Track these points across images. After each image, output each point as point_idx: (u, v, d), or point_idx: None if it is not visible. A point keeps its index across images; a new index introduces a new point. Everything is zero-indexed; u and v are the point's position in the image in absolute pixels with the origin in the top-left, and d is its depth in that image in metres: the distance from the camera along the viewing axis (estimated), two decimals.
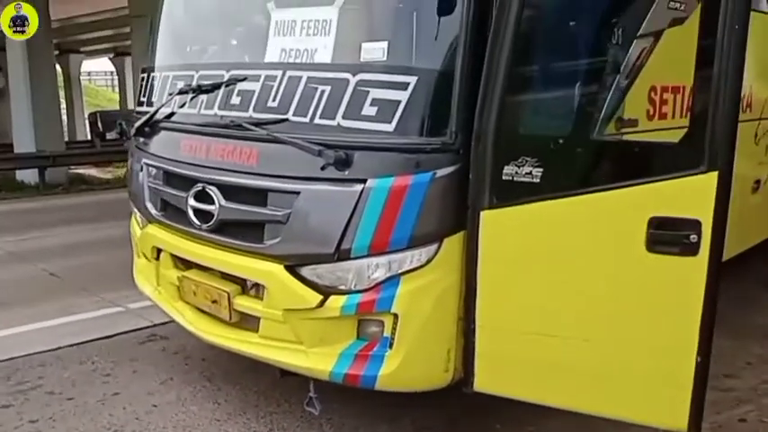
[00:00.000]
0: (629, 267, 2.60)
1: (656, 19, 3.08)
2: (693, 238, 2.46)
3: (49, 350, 4.42)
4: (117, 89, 37.98)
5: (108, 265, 6.51)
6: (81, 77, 32.95)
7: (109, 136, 22.40)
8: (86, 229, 8.62)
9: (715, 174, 2.44)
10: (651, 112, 3.36)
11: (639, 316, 2.63)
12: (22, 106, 13.72)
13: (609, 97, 3.00)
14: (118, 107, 32.60)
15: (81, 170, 15.46)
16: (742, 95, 4.37)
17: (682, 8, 3.15)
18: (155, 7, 3.94)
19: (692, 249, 2.47)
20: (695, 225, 2.45)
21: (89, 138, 24.46)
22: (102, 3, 19.84)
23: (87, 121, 27.62)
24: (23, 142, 13.67)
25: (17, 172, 13.55)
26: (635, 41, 3.02)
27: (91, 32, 25.95)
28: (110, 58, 34.60)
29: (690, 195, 2.49)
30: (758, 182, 4.90)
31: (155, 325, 4.72)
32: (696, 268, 2.48)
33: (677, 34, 3.09)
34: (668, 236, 2.50)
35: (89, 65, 37.92)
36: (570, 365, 2.72)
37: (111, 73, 41.61)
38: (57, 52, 16.52)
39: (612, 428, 3.17)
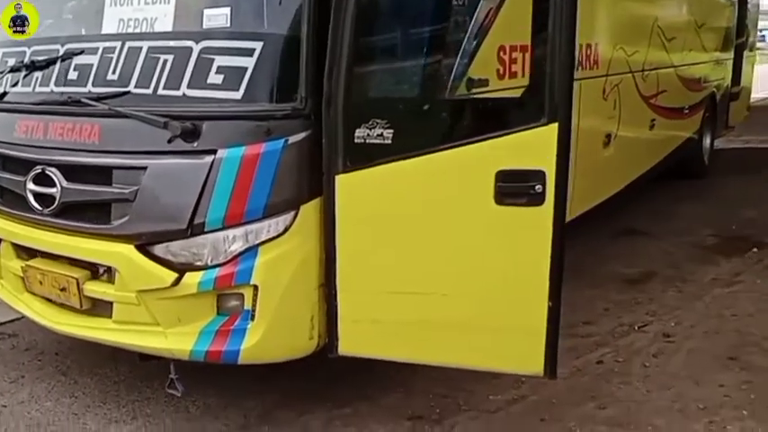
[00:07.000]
0: (480, 221, 2.67)
1: None
2: (538, 188, 2.56)
3: None
4: None
5: None
6: None
7: None
8: None
9: (555, 125, 2.54)
10: (501, 72, 3.45)
11: (493, 268, 2.72)
12: None
13: (457, 58, 3.06)
14: None
15: None
16: (589, 53, 4.65)
17: None
18: None
19: (538, 199, 2.57)
20: (540, 175, 2.55)
21: None
22: None
23: None
24: None
25: None
26: (481, 2, 3.09)
27: None
28: None
29: (533, 147, 2.58)
30: (609, 136, 5.13)
31: (1, 323, 4.34)
32: (543, 217, 2.59)
33: None
34: (515, 188, 2.59)
35: None
36: (431, 321, 2.78)
37: None
38: None
39: (478, 380, 3.30)
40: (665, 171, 6.91)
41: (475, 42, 3.14)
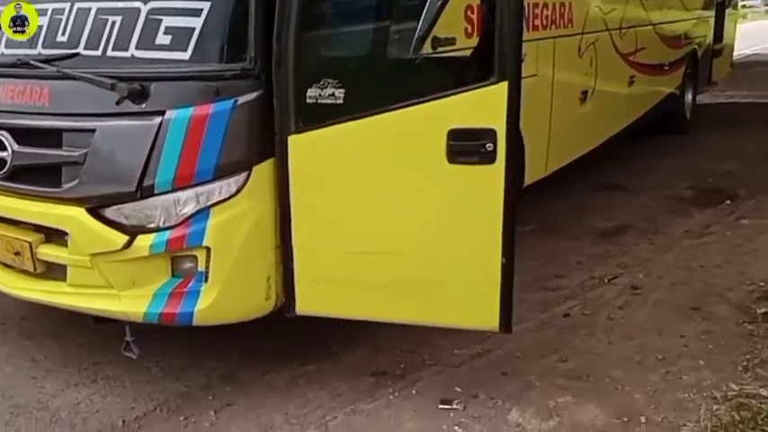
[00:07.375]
0: (433, 180, 2.67)
1: None
2: (489, 146, 2.55)
3: None
4: None
5: None
6: None
7: None
8: None
9: (505, 84, 2.52)
10: (469, 30, 3.42)
11: (447, 226, 2.73)
12: None
13: (419, 17, 3.00)
14: None
15: None
16: (563, 12, 4.60)
17: None
18: None
19: (490, 157, 2.56)
20: (490, 134, 2.54)
21: None
22: None
23: None
24: None
25: None
26: None
27: None
28: None
29: (483, 106, 2.57)
30: (585, 92, 5.14)
31: None
32: (494, 175, 2.58)
33: None
34: (466, 146, 2.57)
35: None
36: (388, 279, 2.79)
37: None
38: None
39: (445, 335, 3.31)
40: (646, 126, 6.90)
41: (440, 2, 3.09)
